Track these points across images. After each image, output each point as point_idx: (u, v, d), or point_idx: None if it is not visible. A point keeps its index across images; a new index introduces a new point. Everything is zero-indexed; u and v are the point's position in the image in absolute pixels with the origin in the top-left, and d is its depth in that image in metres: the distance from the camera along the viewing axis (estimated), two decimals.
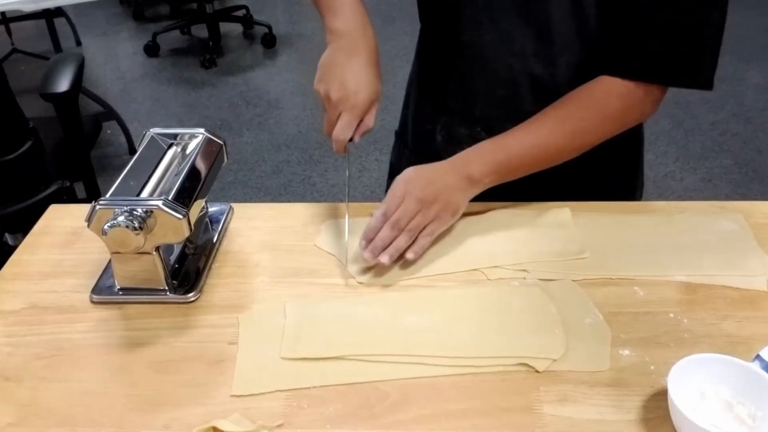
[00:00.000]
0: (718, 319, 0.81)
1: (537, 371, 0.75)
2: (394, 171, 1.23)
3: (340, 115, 0.89)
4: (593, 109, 0.92)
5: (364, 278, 0.89)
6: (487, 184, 0.93)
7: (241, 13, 4.40)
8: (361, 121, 0.90)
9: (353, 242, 0.92)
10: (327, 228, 0.98)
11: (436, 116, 1.08)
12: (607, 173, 0.96)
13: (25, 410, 0.72)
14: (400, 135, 1.20)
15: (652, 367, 0.75)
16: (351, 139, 0.91)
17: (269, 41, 4.15)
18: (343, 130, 0.89)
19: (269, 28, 4.16)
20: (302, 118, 3.35)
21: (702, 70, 0.89)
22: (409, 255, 0.89)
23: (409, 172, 0.92)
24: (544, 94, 0.96)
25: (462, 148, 1.02)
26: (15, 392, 0.74)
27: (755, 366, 0.70)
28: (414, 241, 0.89)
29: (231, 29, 4.40)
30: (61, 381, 0.76)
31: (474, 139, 1.00)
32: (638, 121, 0.92)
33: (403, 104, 1.18)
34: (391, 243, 0.88)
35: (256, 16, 4.39)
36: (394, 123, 1.23)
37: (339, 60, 0.91)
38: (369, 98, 0.90)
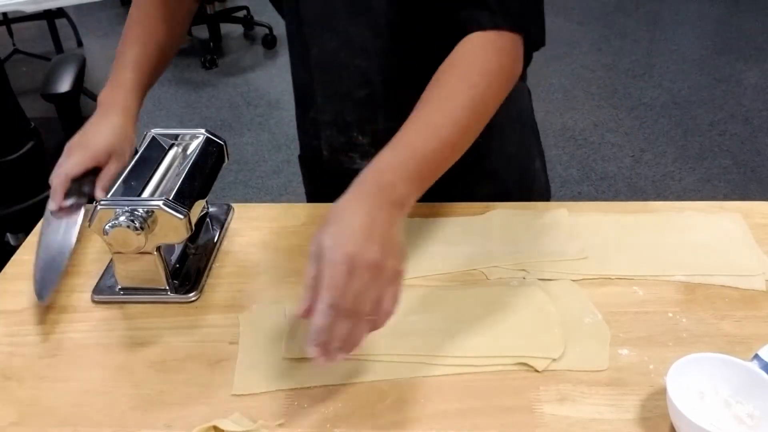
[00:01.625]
0: (717, 319, 0.81)
1: (536, 371, 0.75)
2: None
3: None
4: (475, 67, 0.81)
5: None
6: (413, 201, 0.74)
7: (241, 13, 4.40)
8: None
9: None
10: None
11: (317, 130, 1.07)
12: (460, 175, 0.85)
13: (26, 410, 0.72)
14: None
15: (651, 367, 0.75)
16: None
17: (270, 42, 4.15)
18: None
19: (270, 28, 4.16)
20: None
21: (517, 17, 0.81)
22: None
23: (333, 228, 0.70)
24: (395, 84, 0.96)
25: (348, 156, 1.02)
26: (16, 392, 0.75)
27: (754, 365, 0.70)
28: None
29: (232, 30, 4.41)
30: (62, 380, 0.76)
31: (354, 146, 0.99)
32: (511, 76, 0.84)
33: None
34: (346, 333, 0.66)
35: (257, 17, 4.39)
36: None
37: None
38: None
